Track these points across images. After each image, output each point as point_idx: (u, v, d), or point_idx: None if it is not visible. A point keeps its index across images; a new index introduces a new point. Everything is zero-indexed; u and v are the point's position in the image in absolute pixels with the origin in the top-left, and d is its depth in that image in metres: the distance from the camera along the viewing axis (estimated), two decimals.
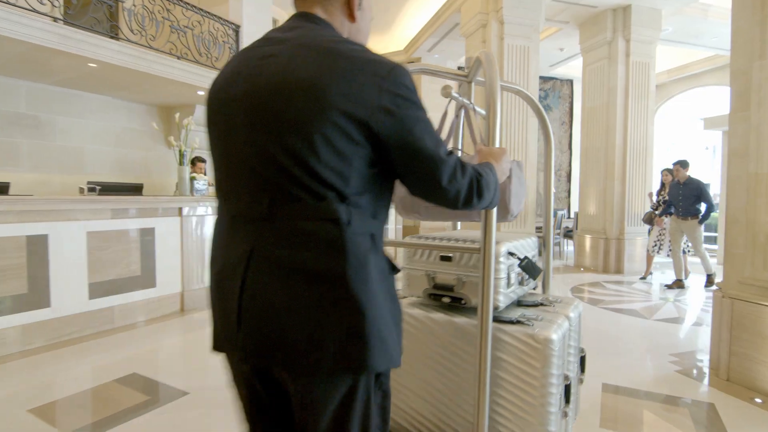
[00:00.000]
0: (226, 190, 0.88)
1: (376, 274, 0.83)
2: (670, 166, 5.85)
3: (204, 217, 4.55)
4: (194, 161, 5.62)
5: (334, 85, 0.75)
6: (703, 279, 5.70)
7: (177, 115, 4.43)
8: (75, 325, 3.51)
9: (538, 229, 6.70)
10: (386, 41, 9.52)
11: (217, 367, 2.93)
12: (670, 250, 5.75)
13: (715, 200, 12.37)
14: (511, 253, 1.57)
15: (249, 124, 0.80)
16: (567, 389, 1.51)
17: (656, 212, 6.00)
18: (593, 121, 6.97)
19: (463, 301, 1.57)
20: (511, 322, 1.48)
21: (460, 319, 1.53)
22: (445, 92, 1.51)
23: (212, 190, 5.08)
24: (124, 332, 3.70)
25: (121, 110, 5.53)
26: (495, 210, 1.35)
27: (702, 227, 5.42)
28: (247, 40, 5.50)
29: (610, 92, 6.61)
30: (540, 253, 1.95)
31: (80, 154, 5.29)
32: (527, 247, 1.73)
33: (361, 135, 0.78)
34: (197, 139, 4.57)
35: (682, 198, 5.46)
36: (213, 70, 4.97)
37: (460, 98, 1.59)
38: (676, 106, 10.80)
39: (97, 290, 3.68)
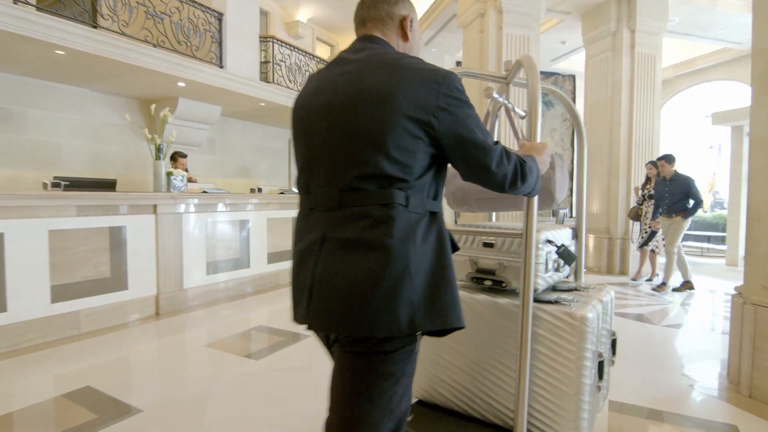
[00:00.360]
0: (306, 187, 1.02)
1: (429, 246, 0.95)
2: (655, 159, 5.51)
3: (181, 215, 4.27)
4: (175, 156, 5.35)
5: (401, 91, 0.90)
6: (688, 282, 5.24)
7: (153, 107, 4.16)
8: (35, 331, 3.23)
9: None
10: None
11: (182, 379, 2.66)
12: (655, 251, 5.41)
13: (714, 198, 12.08)
14: (549, 241, 1.67)
15: (329, 131, 0.95)
16: (600, 366, 1.60)
17: (641, 207, 5.65)
18: (596, 116, 6.68)
19: (503, 284, 1.69)
20: (549, 302, 1.59)
21: (502, 300, 1.64)
22: (487, 93, 1.59)
23: (191, 186, 4.82)
24: (90, 339, 3.42)
25: (99, 103, 5.26)
26: (537, 198, 1.43)
27: (687, 224, 5.06)
28: (231, 30, 5.24)
29: (615, 86, 6.32)
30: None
31: (55, 149, 5.02)
32: (563, 236, 1.82)
33: (423, 131, 0.92)
34: (174, 132, 4.29)
35: (669, 195, 5.10)
36: (193, 59, 4.71)
37: (501, 99, 1.69)
38: (682, 103, 10.49)
39: (60, 293, 3.40)
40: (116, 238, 3.79)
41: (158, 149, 4.17)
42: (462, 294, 1.71)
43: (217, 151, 6.92)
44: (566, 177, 1.73)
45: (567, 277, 1.91)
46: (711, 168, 13.06)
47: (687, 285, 5.22)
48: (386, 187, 0.91)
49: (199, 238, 4.48)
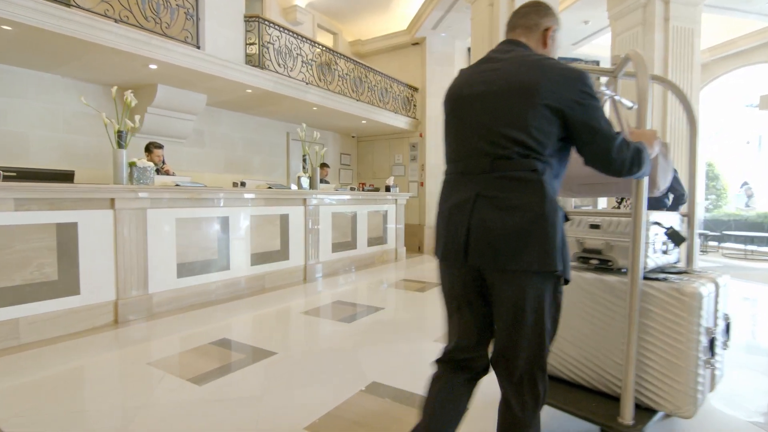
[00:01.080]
0: (457, 156, 1.30)
1: (560, 213, 1.19)
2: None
3: (145, 210, 3.80)
4: (149, 147, 4.90)
5: (542, 85, 1.15)
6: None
7: (114, 89, 3.70)
8: None
9: None
10: (387, 20, 8.66)
11: (101, 409, 2.07)
12: None
13: (746, 194, 10.98)
14: (656, 222, 1.74)
15: (481, 113, 1.23)
16: (712, 342, 1.62)
17: (620, 205, 4.69)
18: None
19: (610, 263, 1.79)
20: (658, 280, 1.65)
21: (608, 278, 1.74)
22: (596, 87, 1.59)
23: (165, 179, 4.36)
24: (30, 351, 2.98)
25: (70, 91, 4.86)
26: (646, 180, 1.57)
27: None
28: (209, 5, 4.76)
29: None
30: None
31: (22, 140, 4.63)
32: (671, 220, 1.86)
33: (557, 118, 1.17)
34: (137, 117, 3.81)
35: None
36: (164, 38, 4.23)
37: (608, 92, 1.78)
38: (720, 91, 9.56)
39: None
40: (66, 236, 3.34)
41: (119, 136, 3.70)
42: None
43: (205, 144, 6.47)
44: (670, 165, 1.76)
45: (676, 262, 1.94)
46: (750, 165, 11.97)
47: None
48: (527, 158, 1.16)
49: (168, 237, 4.01)
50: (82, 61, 4.24)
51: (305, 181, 5.60)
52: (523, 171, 1.15)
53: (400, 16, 8.38)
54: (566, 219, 1.23)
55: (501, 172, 1.17)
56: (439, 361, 1.36)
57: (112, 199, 3.58)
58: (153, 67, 4.40)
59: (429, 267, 6.75)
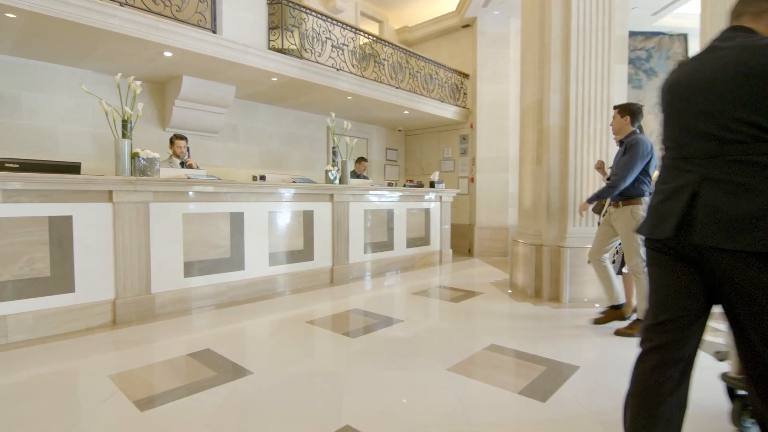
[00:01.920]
0: (677, 144, 1.31)
1: None
2: None
3: (148, 204, 3.55)
4: (172, 139, 4.74)
5: None
6: None
7: (118, 76, 3.49)
8: None
9: None
10: (436, 3, 8.00)
11: None
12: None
13: None
14: None
15: (709, 100, 1.21)
16: None
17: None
18: None
19: None
20: None
21: None
22: None
23: (164, 172, 4.11)
24: (16, 350, 2.82)
25: (100, 85, 4.82)
26: None
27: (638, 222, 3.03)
28: None
29: None
30: None
31: (51, 135, 4.67)
32: None
33: None
34: (140, 105, 3.57)
35: (615, 167, 3.18)
36: (176, 22, 3.99)
37: None
38: None
39: None
40: (59, 230, 3.16)
41: (123, 125, 3.48)
42: None
43: (240, 140, 6.27)
44: None
45: None
46: None
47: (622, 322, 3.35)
48: (762, 141, 1.11)
49: (174, 233, 3.74)
50: (97, 51, 4.13)
51: (333, 175, 5.15)
52: (758, 155, 1.13)
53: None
54: None
55: (733, 156, 1.16)
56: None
57: (110, 192, 3.37)
58: (168, 54, 4.19)
59: (477, 272, 6.00)
